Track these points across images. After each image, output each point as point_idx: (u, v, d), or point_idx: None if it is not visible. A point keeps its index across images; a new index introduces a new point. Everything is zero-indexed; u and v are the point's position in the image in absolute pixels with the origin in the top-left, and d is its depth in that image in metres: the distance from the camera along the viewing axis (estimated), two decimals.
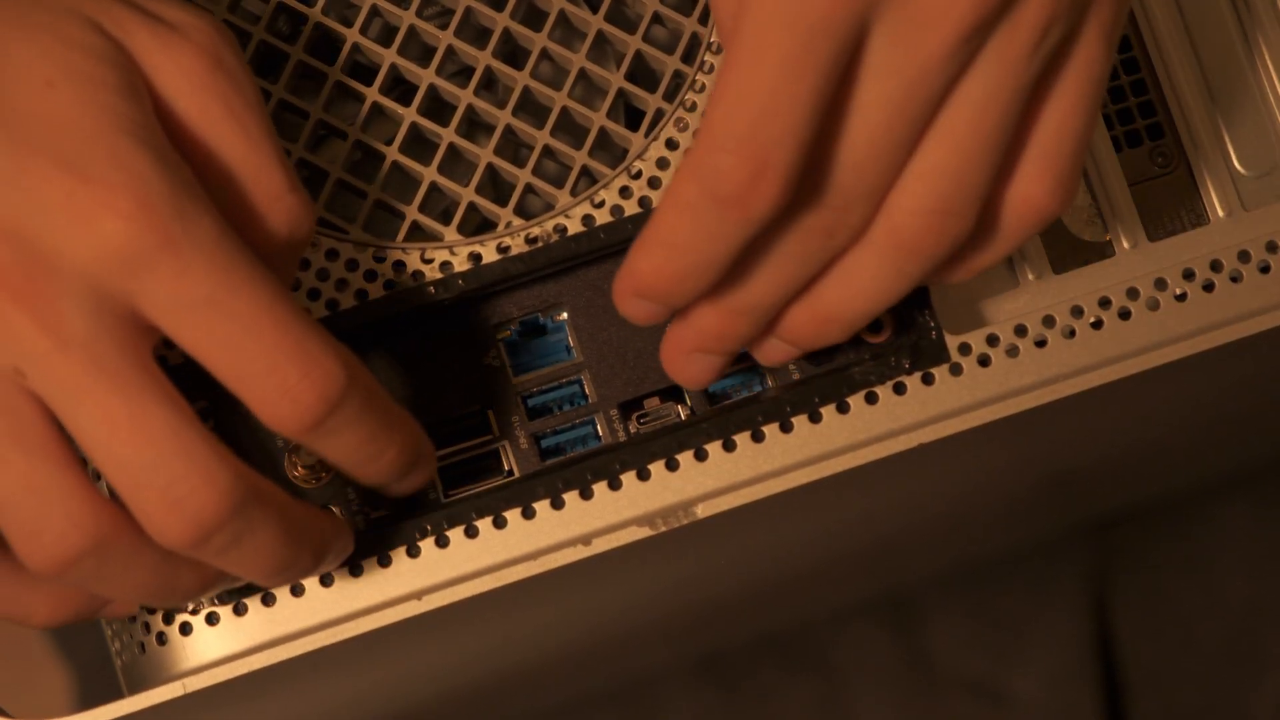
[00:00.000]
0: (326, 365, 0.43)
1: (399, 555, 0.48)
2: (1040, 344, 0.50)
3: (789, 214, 0.44)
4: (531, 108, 0.50)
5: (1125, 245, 0.52)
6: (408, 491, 0.47)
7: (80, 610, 0.47)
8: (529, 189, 0.50)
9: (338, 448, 0.44)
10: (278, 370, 0.42)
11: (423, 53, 0.50)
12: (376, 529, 0.48)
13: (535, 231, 0.49)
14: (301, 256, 0.46)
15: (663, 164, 0.50)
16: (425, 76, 0.50)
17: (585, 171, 0.50)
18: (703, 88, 0.50)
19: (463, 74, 0.51)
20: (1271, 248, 0.52)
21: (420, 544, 0.48)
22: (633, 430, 0.50)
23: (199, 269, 0.42)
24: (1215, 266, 0.51)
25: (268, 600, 0.48)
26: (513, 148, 0.50)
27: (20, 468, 0.42)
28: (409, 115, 0.50)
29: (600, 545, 0.48)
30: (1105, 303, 0.51)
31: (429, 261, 0.49)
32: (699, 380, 0.48)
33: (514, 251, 0.49)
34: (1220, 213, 0.52)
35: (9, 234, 0.42)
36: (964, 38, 0.42)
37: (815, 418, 0.50)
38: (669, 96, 0.50)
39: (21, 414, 0.42)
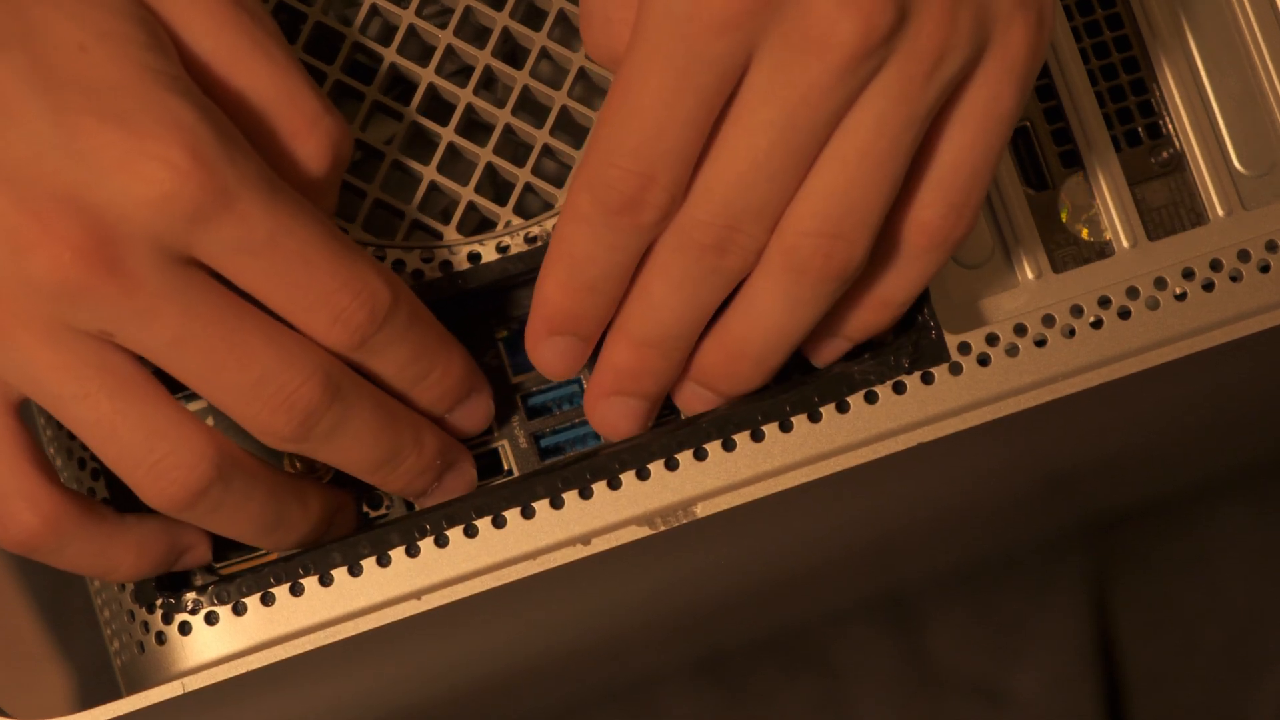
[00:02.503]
0: (374, 285, 0.45)
1: (398, 555, 0.48)
2: (1040, 343, 0.50)
3: (683, 231, 0.45)
4: (531, 107, 0.50)
5: (1125, 244, 0.52)
6: (472, 430, 0.49)
7: (163, 558, 0.48)
8: (528, 188, 0.50)
9: (387, 366, 0.46)
10: (331, 297, 0.45)
11: (422, 52, 0.50)
12: (375, 528, 0.48)
13: (535, 231, 0.49)
14: (341, 179, 0.48)
15: None
16: (425, 76, 0.50)
17: None
18: None
19: (462, 73, 0.51)
20: (1271, 247, 0.52)
21: (420, 543, 0.48)
22: None
23: (255, 214, 0.43)
24: (1215, 266, 0.51)
25: (266, 600, 0.48)
26: (512, 147, 0.50)
27: (136, 417, 0.44)
28: (409, 114, 0.50)
29: (599, 545, 0.48)
30: (1105, 302, 0.51)
31: (428, 261, 0.49)
32: (621, 427, 0.49)
33: (513, 251, 0.49)
34: (1220, 212, 0.52)
35: (71, 202, 0.43)
36: (846, 67, 0.43)
37: (815, 417, 0.49)
38: None
39: (121, 369, 0.44)
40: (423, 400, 0.47)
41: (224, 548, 0.49)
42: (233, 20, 0.45)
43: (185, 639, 0.48)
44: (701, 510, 0.49)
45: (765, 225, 0.45)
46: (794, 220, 0.45)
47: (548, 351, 0.47)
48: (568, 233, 0.46)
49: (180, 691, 0.47)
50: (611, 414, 0.48)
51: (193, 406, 0.49)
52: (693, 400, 0.49)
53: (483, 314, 0.50)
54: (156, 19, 0.44)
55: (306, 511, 0.48)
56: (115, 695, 0.48)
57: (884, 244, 0.47)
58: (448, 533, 0.48)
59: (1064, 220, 0.52)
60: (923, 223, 0.46)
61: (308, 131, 0.46)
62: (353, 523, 0.49)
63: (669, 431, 0.49)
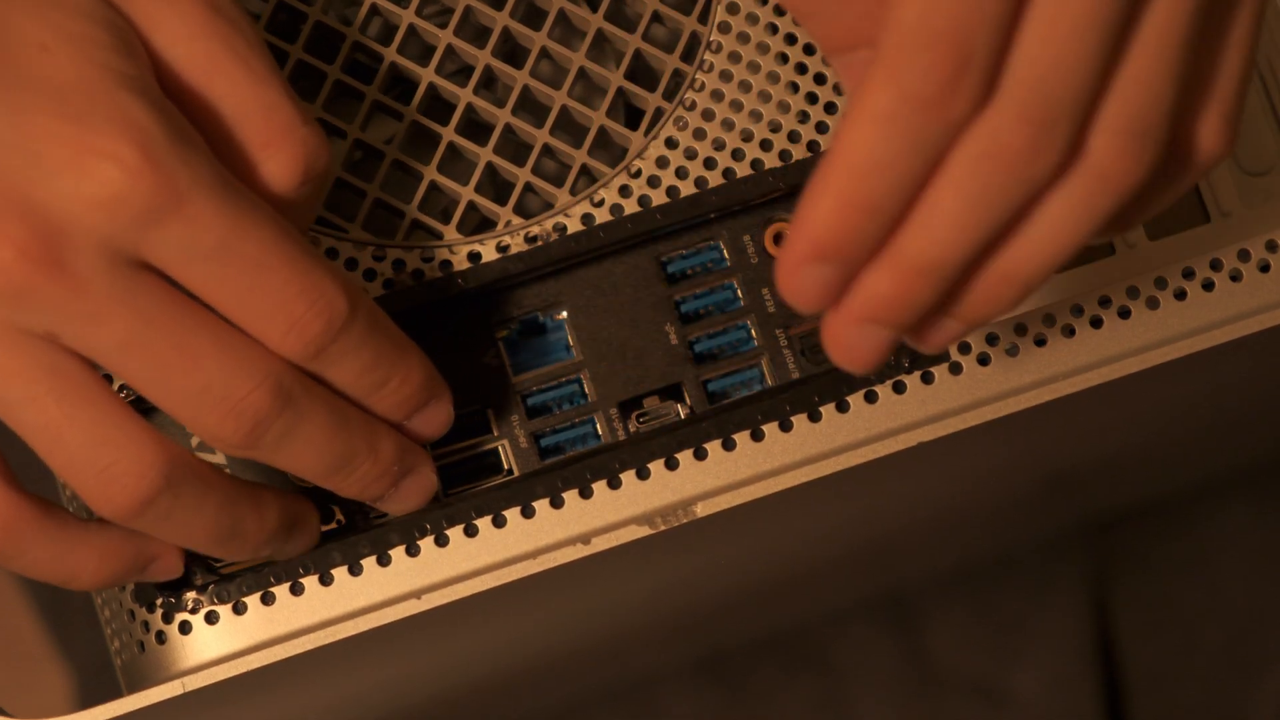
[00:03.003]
0: (330, 294, 0.44)
1: (398, 554, 0.48)
2: (1040, 342, 0.50)
3: (991, 134, 0.40)
4: (531, 106, 0.50)
5: (1125, 244, 0.52)
6: (431, 436, 0.47)
7: (126, 567, 0.47)
8: (528, 188, 0.50)
9: (343, 375, 0.45)
10: (286, 306, 0.43)
11: (422, 51, 0.50)
12: (375, 528, 0.48)
13: (535, 230, 0.49)
14: (322, 194, 0.47)
15: (662, 163, 0.50)
16: (425, 75, 0.50)
17: (585, 170, 0.50)
18: (702, 86, 0.50)
19: (462, 73, 0.51)
20: (1271, 247, 0.52)
21: (420, 543, 0.48)
22: (632, 429, 0.50)
23: (208, 218, 0.42)
24: (1215, 265, 0.51)
25: (267, 599, 0.48)
26: (512, 146, 0.50)
27: (85, 423, 0.43)
28: (409, 114, 0.50)
29: (600, 544, 0.48)
30: (1105, 301, 0.51)
31: (428, 260, 0.49)
32: (866, 360, 0.43)
33: (513, 250, 0.49)
34: (1220, 212, 0.52)
35: (19, 204, 0.42)
36: None
37: (815, 417, 0.49)
38: (669, 95, 0.50)
39: (70, 373, 0.43)
40: (379, 408, 0.46)
41: None
42: (207, 26, 0.44)
43: (185, 638, 0.48)
44: (701, 510, 0.49)
45: (1077, 124, 0.40)
46: (1102, 118, 0.40)
47: (805, 281, 0.41)
48: (863, 135, 0.40)
49: (180, 691, 0.47)
50: (860, 343, 0.42)
51: None
52: (937, 335, 0.43)
53: (483, 314, 0.50)
54: (128, 24, 0.44)
55: (262, 522, 0.46)
56: (115, 694, 0.48)
57: None
58: (448, 532, 0.48)
59: None
60: (1201, 137, 0.42)
61: (280, 142, 0.45)
62: (316, 533, 0.48)
63: (669, 431, 0.49)
